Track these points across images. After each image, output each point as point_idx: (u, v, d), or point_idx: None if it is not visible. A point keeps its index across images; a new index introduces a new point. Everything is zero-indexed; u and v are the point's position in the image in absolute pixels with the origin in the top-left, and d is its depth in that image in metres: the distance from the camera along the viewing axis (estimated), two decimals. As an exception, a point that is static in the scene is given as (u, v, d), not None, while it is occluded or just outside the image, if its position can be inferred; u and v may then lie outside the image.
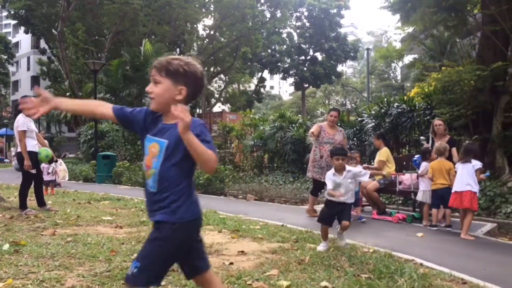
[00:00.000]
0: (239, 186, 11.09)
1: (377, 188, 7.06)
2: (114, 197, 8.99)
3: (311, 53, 45.55)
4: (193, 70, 1.93)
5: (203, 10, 31.78)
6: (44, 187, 8.16)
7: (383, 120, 9.78)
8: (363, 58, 56.40)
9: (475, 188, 5.43)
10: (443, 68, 9.54)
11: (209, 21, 34.94)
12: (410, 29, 13.43)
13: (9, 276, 3.17)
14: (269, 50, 43.60)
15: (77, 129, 26.11)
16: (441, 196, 5.97)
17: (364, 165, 7.41)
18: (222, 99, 46.64)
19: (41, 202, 6.71)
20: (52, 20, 30.36)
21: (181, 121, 1.72)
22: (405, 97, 10.11)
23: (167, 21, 28.48)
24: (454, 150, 6.47)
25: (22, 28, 36.37)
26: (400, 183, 6.93)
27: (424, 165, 6.36)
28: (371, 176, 6.59)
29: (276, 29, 40.98)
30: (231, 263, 3.68)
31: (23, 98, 1.89)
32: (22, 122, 6.34)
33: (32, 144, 6.43)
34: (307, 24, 44.09)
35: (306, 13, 43.93)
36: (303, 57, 45.20)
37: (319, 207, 6.65)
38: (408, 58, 30.06)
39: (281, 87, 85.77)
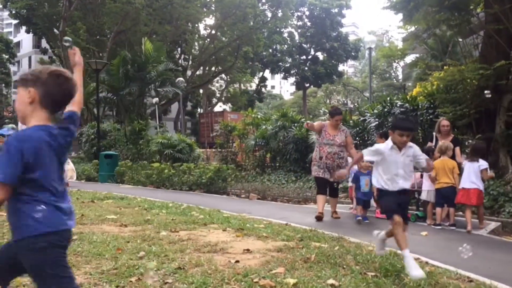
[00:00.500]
0: (241, 185, 11.10)
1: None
2: (117, 196, 9.00)
3: (312, 52, 45.57)
4: (39, 71, 1.94)
5: (205, 9, 31.81)
6: None
7: (386, 119, 9.78)
8: (364, 57, 56.42)
9: (481, 187, 5.54)
10: (445, 67, 9.54)
11: (210, 21, 34.98)
12: (412, 28, 13.44)
13: (17, 274, 3.18)
14: (270, 50, 43.63)
15: (79, 128, 26.09)
16: (444, 195, 5.98)
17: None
18: (223, 98, 46.66)
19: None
20: (54, 19, 30.37)
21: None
22: (408, 96, 10.11)
23: (168, 21, 28.51)
24: (457, 149, 6.48)
25: (24, 28, 36.39)
26: (403, 182, 6.92)
27: (428, 164, 6.36)
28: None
29: (277, 29, 40.98)
30: (237, 261, 3.69)
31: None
32: (26, 121, 6.34)
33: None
34: (308, 23, 44.10)
35: (307, 13, 43.94)
36: (304, 57, 45.22)
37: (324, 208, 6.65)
38: (409, 58, 30.04)
39: (282, 86, 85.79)
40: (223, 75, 41.47)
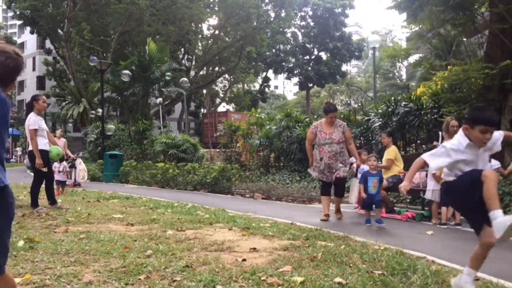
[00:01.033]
0: (246, 185, 11.13)
1: (386, 187, 7.06)
2: (123, 195, 9.06)
3: (315, 52, 45.58)
4: None
5: (208, 10, 31.87)
6: (56, 187, 8.22)
7: (390, 119, 9.78)
8: (367, 57, 56.33)
9: None
10: (449, 67, 9.53)
11: (213, 21, 35.05)
12: (416, 28, 13.42)
13: (27, 271, 3.22)
14: (274, 50, 43.69)
15: (83, 129, 26.22)
16: (450, 194, 5.97)
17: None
18: (226, 98, 46.72)
19: (52, 200, 6.77)
20: (58, 20, 30.53)
21: None
22: (412, 96, 10.10)
23: (172, 21, 28.59)
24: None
25: (28, 29, 36.55)
26: (408, 181, 6.92)
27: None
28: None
29: (281, 29, 41.05)
30: (244, 260, 3.71)
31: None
32: (33, 120, 6.41)
33: (43, 143, 6.50)
34: (312, 23, 44.13)
35: (310, 13, 43.96)
36: (307, 57, 45.23)
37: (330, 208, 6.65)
38: (413, 57, 30.00)
39: (285, 86, 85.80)
40: (226, 75, 41.55)
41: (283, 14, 35.40)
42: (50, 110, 38.53)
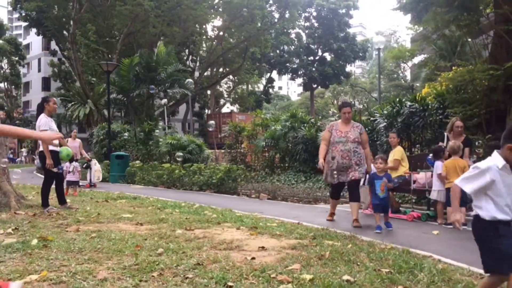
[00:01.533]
0: (251, 186, 11.20)
1: (392, 187, 7.11)
2: (130, 196, 9.17)
3: (319, 53, 45.61)
4: None
5: (212, 11, 31.98)
6: (65, 188, 8.30)
7: (395, 119, 9.82)
8: (372, 58, 56.28)
9: None
10: (454, 67, 9.56)
11: (218, 22, 35.16)
12: (421, 29, 13.47)
13: (43, 268, 3.31)
14: (278, 51, 43.74)
15: (89, 129, 26.37)
16: (455, 194, 6.01)
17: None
18: (231, 99, 46.82)
19: (62, 200, 6.88)
20: (63, 22, 30.72)
21: None
22: (417, 97, 10.14)
23: (176, 22, 28.72)
24: (467, 150, 6.54)
25: (33, 30, 36.78)
26: (414, 182, 6.98)
27: (441, 164, 6.35)
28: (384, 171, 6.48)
29: (285, 30, 41.08)
30: (253, 258, 3.78)
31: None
32: (44, 122, 6.52)
33: (54, 144, 6.59)
34: (316, 24, 44.17)
35: (314, 13, 44.00)
36: (311, 58, 45.27)
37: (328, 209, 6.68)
38: (418, 58, 29.99)
39: (289, 87, 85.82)
40: (230, 76, 41.65)
41: (287, 15, 35.44)
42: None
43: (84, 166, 12.67)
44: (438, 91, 9.47)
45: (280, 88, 78.08)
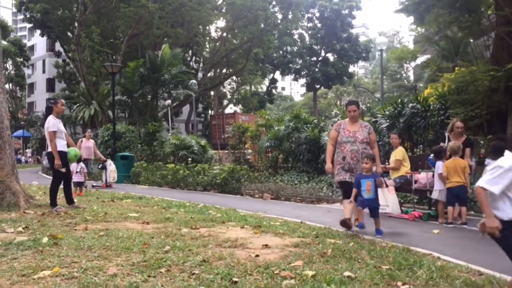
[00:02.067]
0: (255, 186, 11.31)
1: (393, 187, 7.21)
2: (135, 196, 9.30)
3: (322, 54, 45.66)
4: None
5: (216, 12, 32.15)
6: (73, 188, 8.40)
7: (397, 120, 9.90)
8: (375, 58, 56.29)
9: None
10: (456, 68, 9.65)
11: (221, 23, 35.33)
12: (423, 30, 13.55)
13: (54, 265, 3.43)
14: (281, 51, 43.85)
15: (93, 130, 26.54)
16: (456, 194, 6.11)
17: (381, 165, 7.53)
18: (234, 100, 46.95)
19: (69, 200, 7.01)
20: (68, 23, 30.95)
21: None
22: (419, 97, 10.22)
23: (180, 24, 28.90)
24: (467, 150, 6.63)
25: (38, 31, 37.04)
26: (415, 182, 7.07)
27: (442, 164, 6.43)
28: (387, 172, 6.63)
29: (288, 30, 41.21)
30: (257, 255, 3.90)
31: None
32: (52, 123, 6.65)
33: (62, 144, 6.74)
34: (319, 25, 44.23)
35: (317, 14, 44.08)
36: (314, 58, 45.32)
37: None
38: (420, 59, 30.04)
39: (292, 88, 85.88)
40: (234, 77, 41.79)
41: (290, 16, 35.58)
42: (60, 112, 38.86)
43: (99, 166, 12.81)
44: (440, 92, 9.55)
45: (283, 88, 78.18)
